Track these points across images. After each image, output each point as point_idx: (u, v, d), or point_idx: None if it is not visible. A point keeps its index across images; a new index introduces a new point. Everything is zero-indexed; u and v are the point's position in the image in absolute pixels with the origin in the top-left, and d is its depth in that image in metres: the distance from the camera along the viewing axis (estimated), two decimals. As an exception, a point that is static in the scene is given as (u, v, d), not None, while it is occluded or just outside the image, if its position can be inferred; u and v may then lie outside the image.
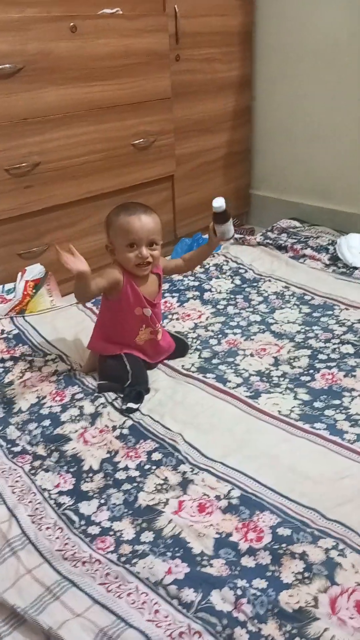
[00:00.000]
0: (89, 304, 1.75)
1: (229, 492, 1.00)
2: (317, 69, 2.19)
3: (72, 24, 1.67)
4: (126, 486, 1.03)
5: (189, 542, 0.91)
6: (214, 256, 2.10)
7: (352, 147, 2.21)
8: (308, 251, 2.07)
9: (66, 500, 1.01)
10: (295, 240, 2.17)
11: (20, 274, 1.77)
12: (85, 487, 1.04)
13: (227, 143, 2.38)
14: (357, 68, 2.09)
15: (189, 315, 1.70)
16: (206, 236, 1.55)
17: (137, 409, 1.24)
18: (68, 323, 1.64)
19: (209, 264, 2.03)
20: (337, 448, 1.11)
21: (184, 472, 1.05)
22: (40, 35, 1.62)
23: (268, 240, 2.17)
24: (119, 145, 1.92)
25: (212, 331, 1.60)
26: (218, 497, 0.99)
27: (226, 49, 2.20)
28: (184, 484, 1.03)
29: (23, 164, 1.68)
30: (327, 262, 2.00)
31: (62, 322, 1.65)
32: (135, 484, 1.04)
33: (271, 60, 2.32)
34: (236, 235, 2.27)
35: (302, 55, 2.22)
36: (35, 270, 1.79)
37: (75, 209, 1.88)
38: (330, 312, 1.66)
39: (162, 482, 1.04)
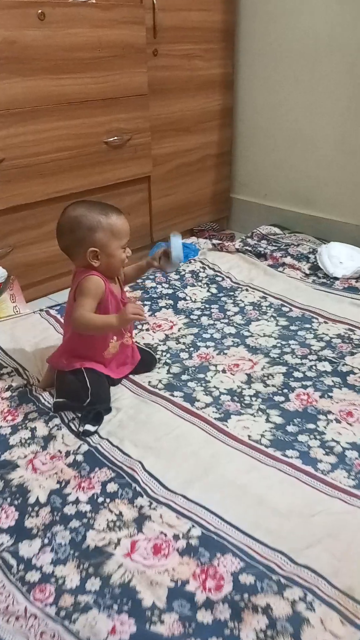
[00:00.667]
0: (52, 312, 1.64)
1: (188, 530, 0.91)
2: (301, 71, 2.11)
3: (40, 11, 1.56)
4: (74, 523, 0.92)
5: (139, 592, 0.81)
6: (190, 262, 2.01)
7: (335, 153, 2.13)
8: (288, 259, 1.98)
9: (5, 539, 0.90)
10: (275, 248, 2.09)
11: (-21, 277, 1.65)
12: (29, 522, 0.93)
13: (207, 144, 2.28)
14: (340, 72, 2.01)
15: (160, 325, 1.59)
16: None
17: (95, 432, 1.14)
18: (29, 332, 1.53)
19: (184, 270, 1.93)
20: (310, 479, 1.02)
21: (141, 507, 0.95)
22: (5, 22, 1.50)
23: (247, 247, 2.08)
24: (91, 142, 1.81)
25: (184, 344, 1.50)
26: (176, 537, 0.90)
27: (207, 45, 2.10)
28: (140, 520, 0.93)
29: (-16, 160, 1.57)
30: (307, 272, 1.92)
31: (22, 331, 1.54)
32: (85, 520, 0.93)
33: (254, 60, 2.23)
34: (214, 241, 2.18)
35: (285, 56, 2.13)
36: (-4, 274, 1.67)
37: (42, 209, 1.76)
38: (308, 326, 1.58)
39: (115, 518, 0.93)
